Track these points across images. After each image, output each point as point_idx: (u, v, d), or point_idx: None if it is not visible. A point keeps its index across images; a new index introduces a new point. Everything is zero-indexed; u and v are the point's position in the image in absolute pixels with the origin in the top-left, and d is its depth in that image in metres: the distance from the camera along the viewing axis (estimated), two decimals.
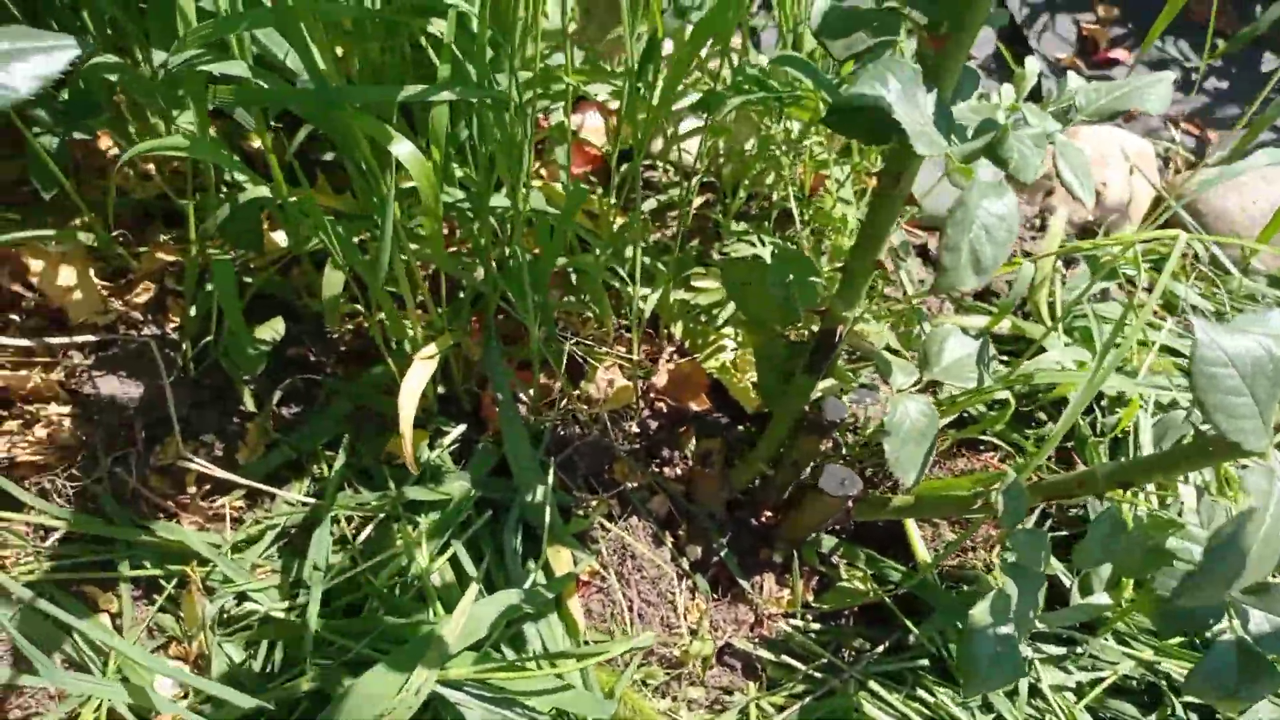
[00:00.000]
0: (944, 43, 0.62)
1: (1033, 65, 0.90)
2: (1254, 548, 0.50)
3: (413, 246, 0.87)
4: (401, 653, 0.75)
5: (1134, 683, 0.88)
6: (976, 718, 0.86)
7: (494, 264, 0.93)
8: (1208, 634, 0.68)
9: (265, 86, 0.68)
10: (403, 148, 0.66)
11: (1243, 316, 0.66)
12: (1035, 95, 1.46)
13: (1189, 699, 0.85)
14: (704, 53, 1.00)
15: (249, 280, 0.97)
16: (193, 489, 0.95)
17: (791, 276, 0.87)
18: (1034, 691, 0.87)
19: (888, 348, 1.08)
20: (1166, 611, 0.68)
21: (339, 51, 0.80)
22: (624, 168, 1.03)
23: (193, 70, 0.66)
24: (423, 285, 0.88)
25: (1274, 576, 0.64)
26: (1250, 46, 1.61)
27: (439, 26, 0.69)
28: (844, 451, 1.02)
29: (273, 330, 0.93)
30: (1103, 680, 0.87)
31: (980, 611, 0.71)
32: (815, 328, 0.85)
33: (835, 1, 0.68)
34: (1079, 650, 0.89)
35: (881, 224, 0.72)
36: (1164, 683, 0.86)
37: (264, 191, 0.83)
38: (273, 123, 1.05)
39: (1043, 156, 0.61)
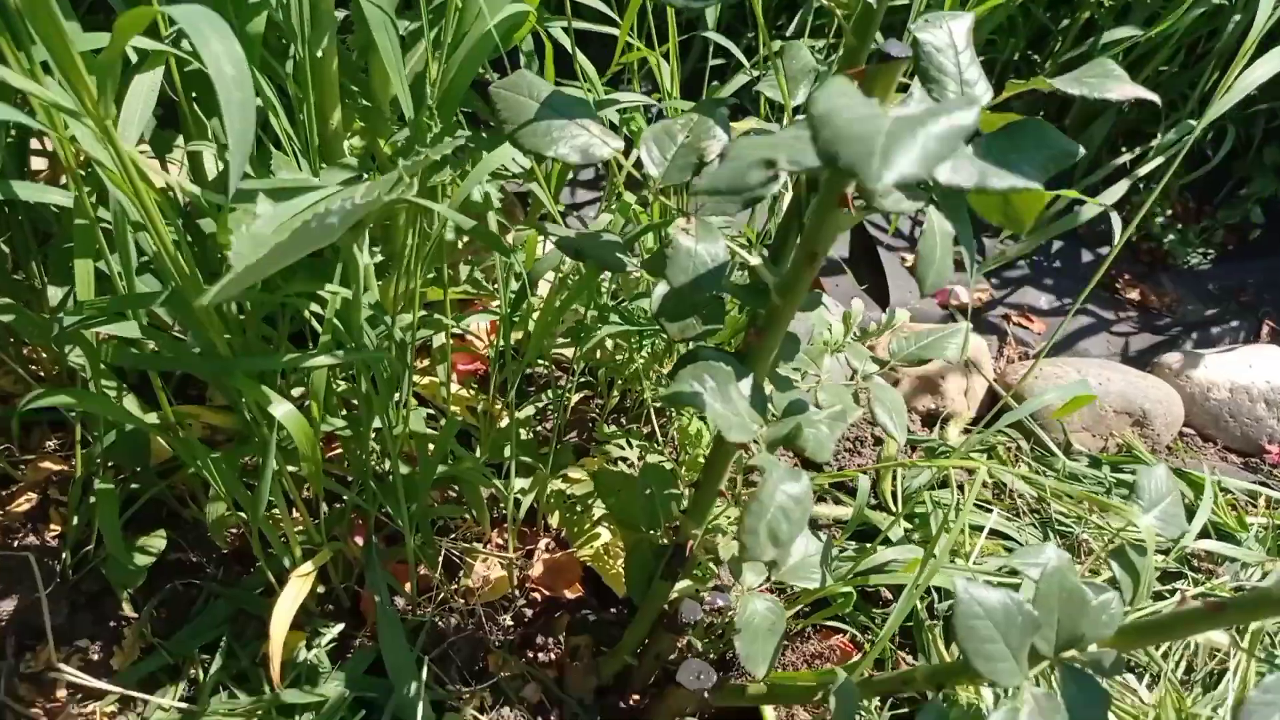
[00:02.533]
0: (760, 336, 0.74)
1: (858, 306, 1.04)
2: None
3: (291, 468, 0.93)
4: None
5: None
6: None
7: (374, 478, 0.99)
8: None
9: (156, 349, 0.75)
10: (282, 409, 0.73)
11: (1020, 550, 0.78)
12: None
13: None
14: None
15: (135, 486, 1.01)
16: (63, 694, 0.96)
17: (653, 489, 0.97)
18: None
19: None
20: None
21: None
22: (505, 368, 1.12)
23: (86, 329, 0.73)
24: (300, 503, 0.93)
25: None
26: (1074, 241, 1.83)
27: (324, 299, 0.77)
28: (700, 647, 1.10)
29: (154, 543, 0.97)
30: None
31: None
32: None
33: (671, 289, 0.79)
34: None
35: (718, 470, 0.82)
36: None
37: (152, 419, 0.88)
38: None
39: (840, 432, 0.72)
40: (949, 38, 0.64)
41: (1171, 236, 1.76)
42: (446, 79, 0.74)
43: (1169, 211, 1.75)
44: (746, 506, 0.63)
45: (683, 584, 1.02)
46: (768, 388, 0.76)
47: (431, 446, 0.97)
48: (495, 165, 0.76)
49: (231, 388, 0.78)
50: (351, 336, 0.78)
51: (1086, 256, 1.80)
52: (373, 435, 0.94)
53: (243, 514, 0.97)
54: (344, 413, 0.93)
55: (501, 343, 0.96)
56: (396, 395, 0.92)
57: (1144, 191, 1.62)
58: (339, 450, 1.12)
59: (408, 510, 0.98)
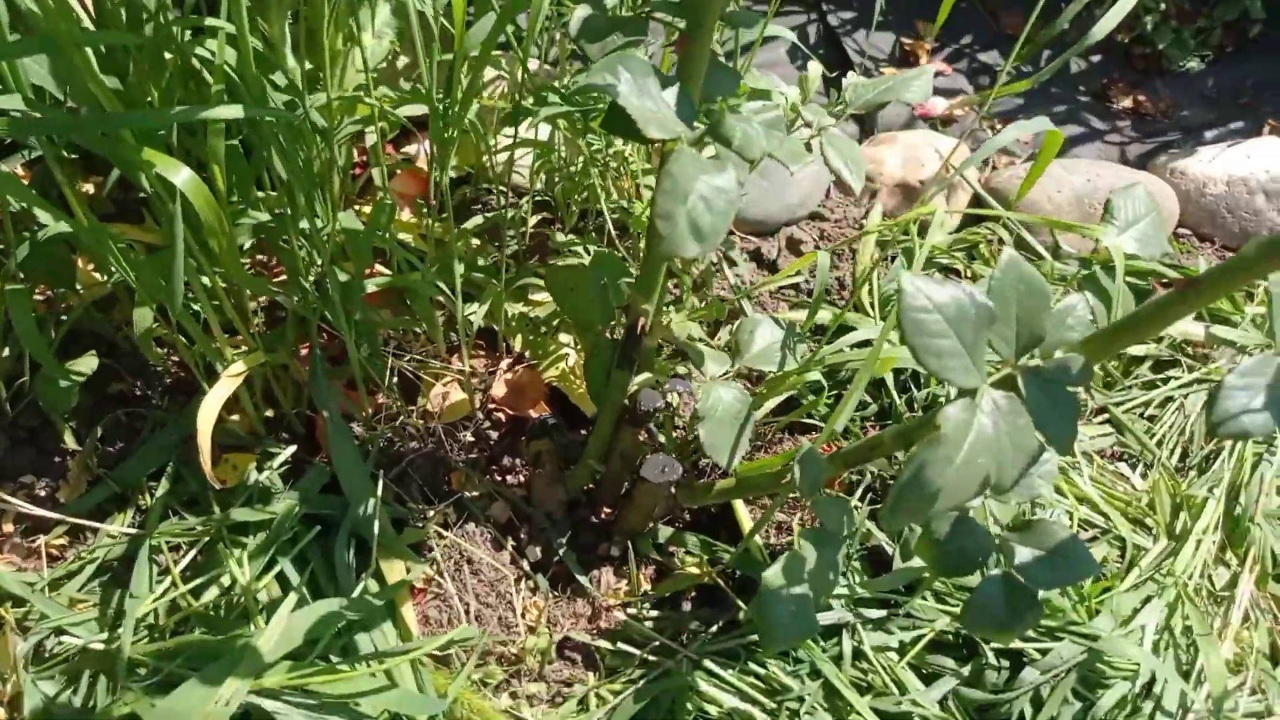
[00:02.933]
0: (686, 43, 0.67)
1: (815, 68, 0.96)
2: (950, 474, 0.54)
3: (218, 272, 0.88)
4: (214, 667, 0.75)
5: (950, 636, 0.92)
6: (806, 683, 0.89)
7: (314, 286, 0.94)
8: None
9: (34, 115, 0.68)
10: (178, 173, 0.67)
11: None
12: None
13: (997, 646, 0.90)
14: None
15: (64, 318, 0.96)
16: (10, 527, 0.93)
17: (606, 278, 0.91)
18: (859, 654, 0.91)
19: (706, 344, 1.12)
20: (940, 554, 0.73)
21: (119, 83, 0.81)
22: (458, 190, 1.06)
23: None
24: (230, 307, 0.88)
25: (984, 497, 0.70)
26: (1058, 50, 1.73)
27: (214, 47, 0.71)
28: (666, 445, 1.06)
29: (85, 364, 0.92)
30: (922, 637, 0.91)
31: (773, 574, 0.75)
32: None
33: (593, 10, 0.72)
34: (900, 612, 0.94)
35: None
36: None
37: (63, 227, 0.82)
38: (85, 165, 1.05)
39: (774, 144, 0.65)
40: None
41: (1166, 39, 1.66)
42: None
43: (1161, 7, 1.64)
44: (658, 187, 0.57)
45: (642, 377, 0.96)
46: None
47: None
48: None
49: (130, 161, 0.72)
50: (249, 89, 0.71)
51: (1077, 67, 1.70)
52: (303, 220, 0.89)
53: (180, 338, 0.92)
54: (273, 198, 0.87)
55: (440, 132, 0.89)
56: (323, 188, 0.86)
57: None
58: (281, 275, 1.07)
59: (350, 320, 0.92)
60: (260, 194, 0.89)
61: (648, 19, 0.72)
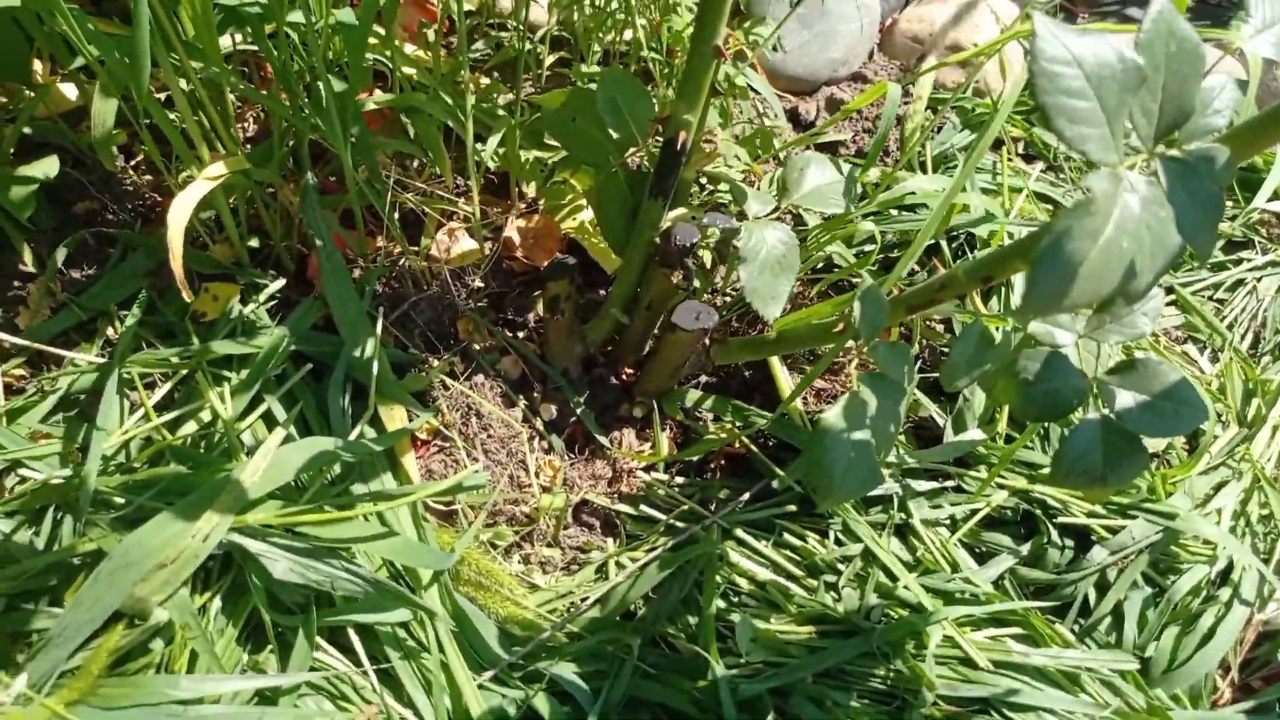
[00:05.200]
0: None
1: None
2: (1095, 251, 0.44)
3: (196, 65, 0.75)
4: (191, 499, 0.65)
5: (1009, 513, 0.84)
6: (846, 547, 0.80)
7: (305, 93, 0.82)
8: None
9: None
10: None
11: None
12: None
13: (1064, 521, 0.82)
14: None
15: (17, 122, 0.84)
16: None
17: (619, 99, 0.79)
18: (907, 529, 0.82)
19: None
20: (1027, 395, 0.63)
21: None
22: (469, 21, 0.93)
23: None
24: (212, 111, 0.76)
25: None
26: None
27: None
28: (699, 292, 0.95)
29: (44, 167, 0.81)
30: (977, 512, 0.83)
31: (834, 415, 0.65)
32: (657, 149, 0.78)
33: None
34: (951, 486, 0.85)
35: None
36: (1039, 510, 0.83)
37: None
38: None
39: None
40: None
41: None
42: None
43: None
44: None
45: (676, 212, 0.86)
46: None
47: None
48: None
49: None
50: None
51: None
52: (291, 30, 0.77)
53: (144, 146, 0.81)
54: None
55: None
56: None
57: None
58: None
59: (346, 135, 0.81)
60: None
61: None
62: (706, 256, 0.92)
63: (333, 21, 0.77)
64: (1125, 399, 0.62)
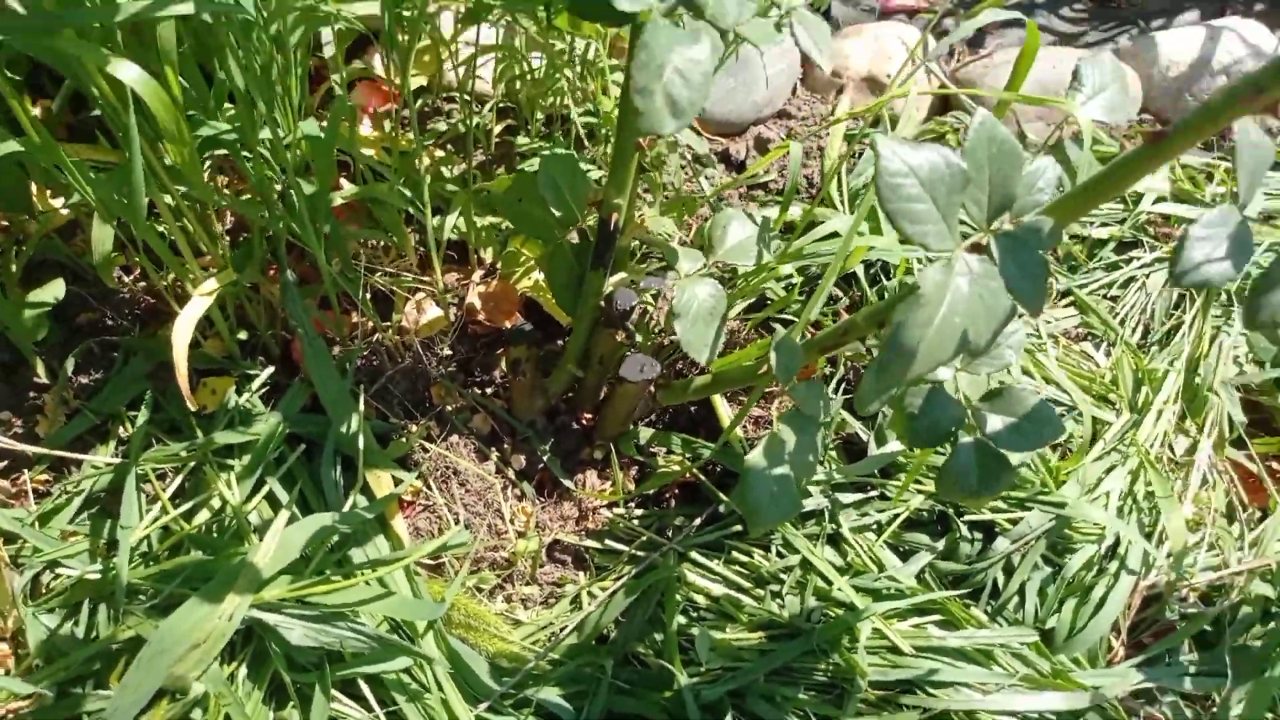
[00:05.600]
0: None
1: None
2: (929, 333, 0.56)
3: (180, 189, 0.86)
4: (213, 584, 0.76)
5: (925, 515, 0.96)
6: (787, 559, 0.92)
7: (279, 200, 0.93)
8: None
9: None
10: (128, 70, 0.65)
11: None
12: None
13: (971, 518, 0.94)
14: None
15: (24, 248, 0.94)
16: None
17: (559, 180, 0.90)
18: (838, 537, 0.94)
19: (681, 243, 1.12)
20: (914, 427, 0.75)
21: None
22: (417, 100, 1.04)
23: None
24: (198, 226, 0.87)
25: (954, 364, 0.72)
26: None
27: None
28: (643, 345, 1.07)
29: (51, 291, 0.91)
30: (898, 516, 0.95)
31: (756, 456, 0.77)
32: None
33: None
34: (875, 495, 0.97)
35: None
36: (951, 510, 0.95)
37: (14, 146, 0.80)
38: (33, 88, 1.01)
39: (750, 9, 0.65)
40: None
41: None
42: None
43: None
44: (632, 62, 0.57)
45: (616, 277, 0.97)
46: None
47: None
48: None
49: (77, 65, 0.69)
50: None
51: None
52: (265, 148, 0.87)
53: (143, 263, 0.91)
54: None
55: (394, 35, 0.87)
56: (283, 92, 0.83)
57: None
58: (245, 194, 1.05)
59: (319, 234, 0.91)
60: (218, 107, 0.87)
61: None
62: (659, 306, 1.04)
63: (300, 135, 0.88)
64: (995, 422, 0.74)
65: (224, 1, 0.69)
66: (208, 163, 0.88)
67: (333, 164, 0.90)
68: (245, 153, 0.88)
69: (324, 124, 1.03)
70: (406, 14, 0.90)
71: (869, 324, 0.79)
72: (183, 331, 0.79)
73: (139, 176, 0.72)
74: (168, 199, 0.85)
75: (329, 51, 1.03)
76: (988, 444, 0.73)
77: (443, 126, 1.15)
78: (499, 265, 1.14)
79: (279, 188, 0.93)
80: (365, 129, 1.17)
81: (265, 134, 0.87)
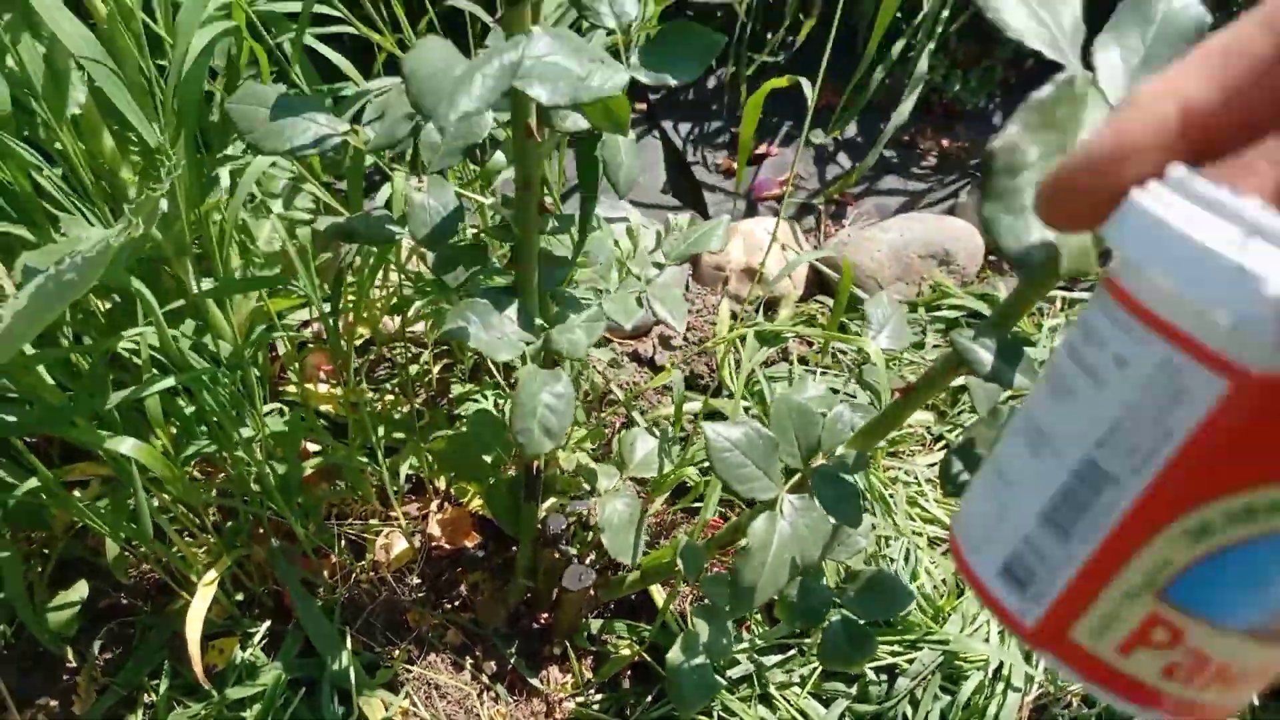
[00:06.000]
0: (517, 265, 0.86)
1: (637, 218, 1.17)
2: (764, 573, 0.74)
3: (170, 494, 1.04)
4: None
5: None
6: None
7: (255, 483, 1.11)
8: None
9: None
10: (126, 444, 0.84)
11: (794, 385, 0.92)
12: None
13: (875, 664, 1.10)
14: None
15: (47, 552, 1.11)
16: None
17: (488, 437, 1.09)
18: (766, 696, 1.10)
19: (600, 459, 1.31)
20: (793, 612, 0.92)
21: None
22: (364, 354, 1.23)
23: None
24: (191, 522, 1.04)
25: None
26: (874, 116, 1.97)
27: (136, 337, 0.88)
28: (580, 554, 1.24)
29: (76, 593, 1.08)
30: (817, 669, 1.11)
31: (674, 654, 0.94)
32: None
33: (440, 251, 0.91)
34: (796, 650, 1.13)
35: None
36: None
37: (33, 483, 0.98)
38: None
39: (596, 333, 0.85)
40: None
41: (955, 85, 1.92)
42: (170, 109, 0.84)
43: (949, 57, 1.90)
44: (512, 409, 0.76)
45: (549, 501, 1.15)
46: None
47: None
48: (255, 175, 0.87)
49: (78, 439, 0.88)
50: (173, 363, 0.89)
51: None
52: (239, 444, 1.06)
53: (141, 546, 1.08)
54: (204, 428, 1.04)
55: (337, 331, 1.07)
56: (249, 406, 1.03)
57: (918, 46, 1.76)
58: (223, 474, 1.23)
59: (293, 506, 1.09)
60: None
61: (485, 248, 0.91)
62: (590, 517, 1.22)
63: (267, 432, 1.07)
64: (855, 600, 0.92)
65: (194, 373, 0.89)
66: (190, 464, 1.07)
67: (298, 448, 1.09)
68: (223, 454, 1.06)
69: (286, 392, 1.22)
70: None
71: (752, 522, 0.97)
72: (194, 623, 0.96)
73: (145, 513, 0.90)
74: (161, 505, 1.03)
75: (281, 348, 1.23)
76: (851, 619, 0.91)
77: (386, 375, 1.35)
78: (452, 491, 1.32)
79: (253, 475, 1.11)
80: (322, 388, 1.37)
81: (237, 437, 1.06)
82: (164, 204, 0.75)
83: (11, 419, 0.84)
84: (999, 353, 0.67)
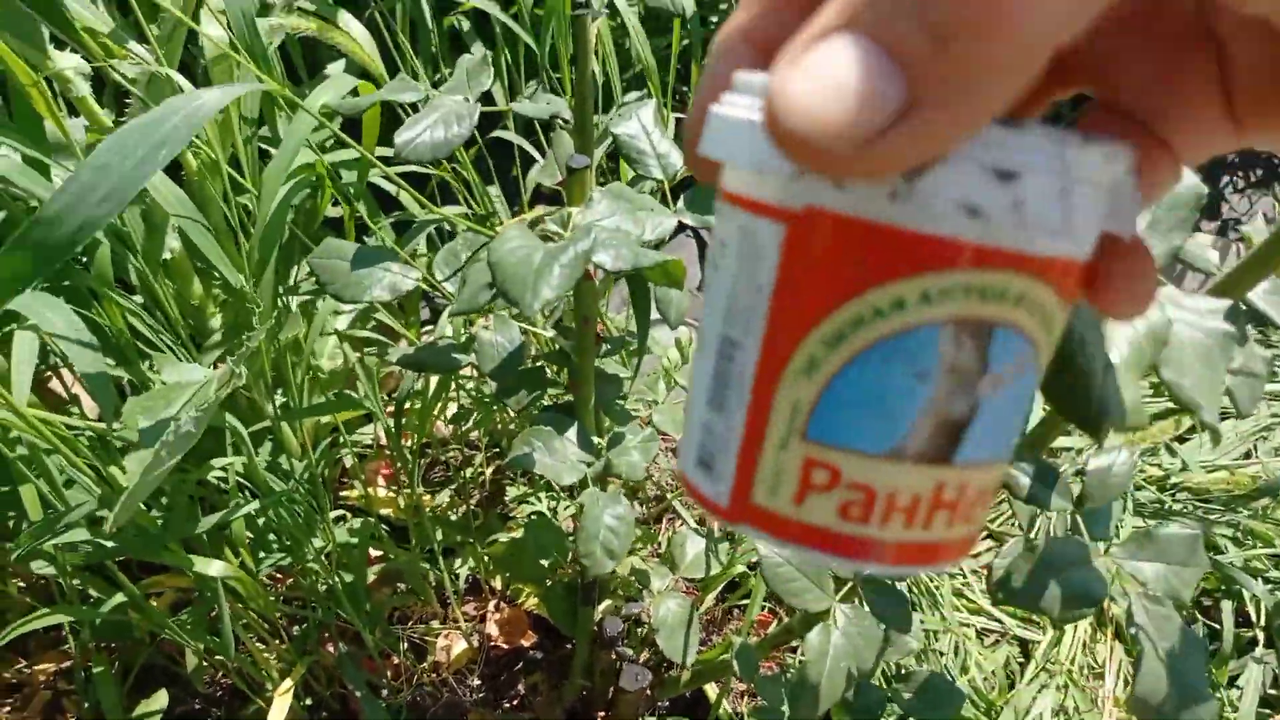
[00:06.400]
0: (575, 388, 0.92)
1: (683, 328, 1.22)
2: (822, 682, 0.77)
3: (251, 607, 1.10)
4: None
5: None
6: None
7: (326, 592, 1.16)
8: None
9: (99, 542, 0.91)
10: (214, 567, 0.90)
11: None
12: None
13: None
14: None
15: (132, 664, 1.17)
16: None
17: (545, 543, 1.14)
18: None
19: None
20: (851, 713, 0.95)
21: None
22: (423, 457, 1.29)
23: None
24: (262, 628, 1.10)
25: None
26: None
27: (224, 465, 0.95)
28: (632, 654, 1.27)
29: (158, 702, 1.13)
30: None
31: None
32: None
33: (504, 374, 0.97)
34: None
35: None
36: None
37: (120, 598, 1.04)
38: None
39: (652, 452, 0.90)
40: (639, 125, 0.83)
41: None
42: (254, 255, 0.92)
43: None
44: (578, 533, 0.81)
45: (605, 604, 1.19)
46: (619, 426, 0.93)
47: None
48: (328, 313, 0.95)
49: (170, 562, 0.94)
50: (258, 487, 0.95)
51: None
52: (311, 557, 1.11)
53: (219, 656, 1.13)
54: (276, 543, 1.10)
55: (401, 445, 1.14)
56: (319, 520, 1.09)
57: None
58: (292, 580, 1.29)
59: (360, 612, 1.14)
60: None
61: (544, 372, 0.97)
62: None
63: (336, 543, 1.12)
64: (909, 699, 0.94)
65: (274, 497, 0.96)
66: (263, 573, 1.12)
67: (365, 557, 1.14)
68: (295, 564, 1.12)
69: (350, 526, 1.28)
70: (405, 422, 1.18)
71: (804, 627, 1.01)
72: None
73: (228, 628, 0.95)
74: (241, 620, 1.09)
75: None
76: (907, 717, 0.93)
77: (441, 477, 1.41)
78: (508, 590, 1.37)
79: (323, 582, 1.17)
80: (382, 491, 1.43)
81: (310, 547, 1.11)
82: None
83: (110, 544, 0.91)
84: (1035, 475, 0.72)
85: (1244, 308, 0.59)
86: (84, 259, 0.92)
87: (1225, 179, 2.17)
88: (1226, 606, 1.28)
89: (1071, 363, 0.50)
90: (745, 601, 1.32)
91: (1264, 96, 0.24)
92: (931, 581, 1.30)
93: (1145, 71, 0.26)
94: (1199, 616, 1.32)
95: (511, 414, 1.31)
